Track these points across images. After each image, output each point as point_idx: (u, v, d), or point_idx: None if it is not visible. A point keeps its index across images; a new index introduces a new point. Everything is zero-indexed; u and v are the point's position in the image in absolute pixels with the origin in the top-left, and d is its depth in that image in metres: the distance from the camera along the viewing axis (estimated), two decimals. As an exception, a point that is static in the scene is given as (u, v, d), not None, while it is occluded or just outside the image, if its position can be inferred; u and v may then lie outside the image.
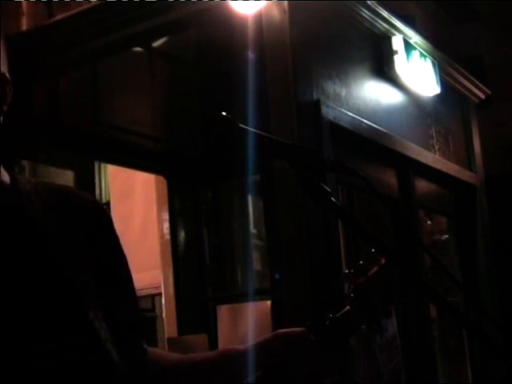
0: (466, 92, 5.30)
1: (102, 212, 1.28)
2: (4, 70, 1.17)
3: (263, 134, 1.18)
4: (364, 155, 3.94)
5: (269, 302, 3.80)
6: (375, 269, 1.23)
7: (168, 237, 4.58)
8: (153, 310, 5.38)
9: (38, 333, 1.08)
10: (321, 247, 3.28)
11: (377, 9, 3.98)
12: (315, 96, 3.44)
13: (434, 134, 4.82)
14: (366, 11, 3.94)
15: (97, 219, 1.24)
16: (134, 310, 1.29)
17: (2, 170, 1.16)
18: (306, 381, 1.21)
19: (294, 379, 1.20)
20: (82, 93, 4.25)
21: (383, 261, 1.22)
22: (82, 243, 1.18)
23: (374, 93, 4.06)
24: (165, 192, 4.63)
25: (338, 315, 1.22)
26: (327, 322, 1.21)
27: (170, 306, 4.53)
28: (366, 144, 3.88)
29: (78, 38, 3.78)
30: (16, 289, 1.09)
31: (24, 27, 4.03)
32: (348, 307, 1.22)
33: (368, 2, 3.90)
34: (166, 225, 4.60)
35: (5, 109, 1.16)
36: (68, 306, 1.11)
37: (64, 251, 1.14)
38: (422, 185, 4.65)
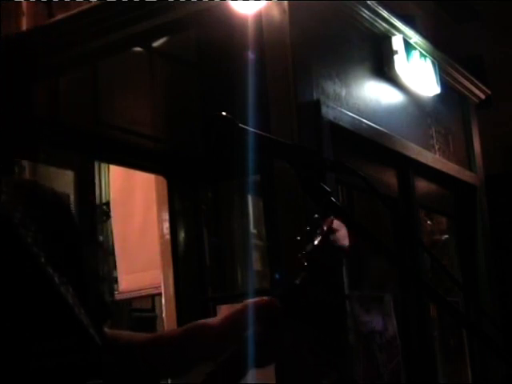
0: (466, 92, 5.30)
1: (63, 202, 1.31)
2: None
3: (263, 133, 1.19)
4: (364, 155, 3.94)
5: (269, 302, 3.79)
6: (320, 236, 1.26)
7: (168, 237, 4.57)
8: (153, 310, 5.38)
9: (38, 333, 1.08)
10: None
11: (377, 9, 3.98)
12: (315, 96, 3.44)
13: (434, 134, 4.82)
14: (366, 11, 3.94)
15: (59, 211, 1.27)
16: (96, 294, 1.31)
17: None
18: (282, 351, 1.23)
19: (271, 348, 1.22)
20: (82, 93, 4.25)
21: (325, 227, 1.25)
22: (49, 235, 1.19)
23: (373, 93, 4.06)
24: (165, 192, 4.62)
25: (296, 281, 1.25)
26: (287, 289, 1.25)
27: (170, 305, 4.53)
28: (366, 144, 3.88)
29: (78, 38, 3.77)
30: (14, 288, 1.10)
31: (24, 27, 4.03)
32: (303, 273, 1.25)
33: (368, 1, 3.90)
34: (166, 225, 4.59)
35: None
36: (58, 301, 1.12)
37: (37, 247, 1.15)
38: (422, 185, 4.65)
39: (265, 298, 1.26)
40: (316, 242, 1.25)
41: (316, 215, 1.27)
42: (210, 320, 1.31)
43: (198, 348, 1.29)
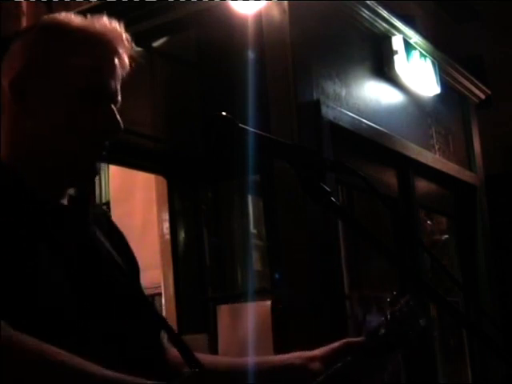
0: (466, 92, 5.30)
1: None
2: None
3: (263, 134, 1.19)
4: (364, 155, 3.94)
5: (269, 302, 3.79)
6: (403, 302, 1.32)
7: (168, 237, 4.57)
8: (153, 309, 5.37)
9: (39, 333, 1.08)
10: (321, 247, 3.28)
11: (377, 9, 3.98)
12: (315, 96, 3.44)
13: (434, 134, 4.82)
14: (365, 11, 3.94)
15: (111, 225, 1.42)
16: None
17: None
18: None
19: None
20: (82, 93, 4.24)
21: (405, 299, 1.33)
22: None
23: (374, 93, 4.06)
24: (165, 192, 4.62)
25: (383, 331, 1.30)
26: (376, 335, 1.30)
27: (170, 305, 4.53)
28: (366, 144, 3.88)
29: (78, 38, 3.77)
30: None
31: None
32: (389, 326, 1.30)
33: (368, 2, 3.90)
34: (166, 225, 4.59)
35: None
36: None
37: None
38: (422, 185, 4.65)
39: (360, 338, 1.31)
40: (397, 308, 1.32)
41: (394, 292, 1.36)
42: (311, 353, 1.34)
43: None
